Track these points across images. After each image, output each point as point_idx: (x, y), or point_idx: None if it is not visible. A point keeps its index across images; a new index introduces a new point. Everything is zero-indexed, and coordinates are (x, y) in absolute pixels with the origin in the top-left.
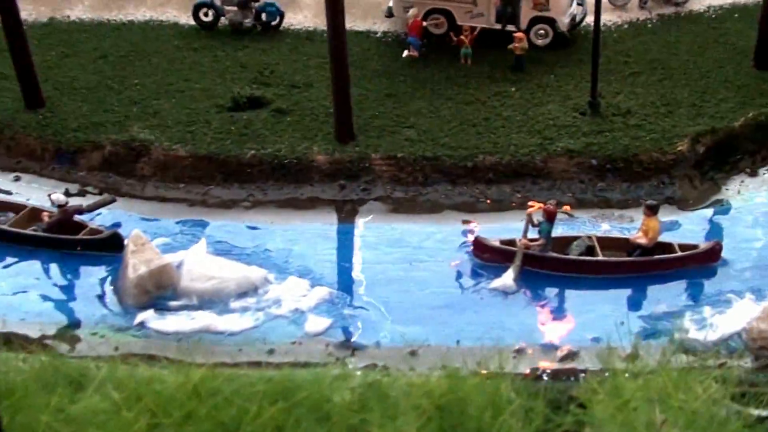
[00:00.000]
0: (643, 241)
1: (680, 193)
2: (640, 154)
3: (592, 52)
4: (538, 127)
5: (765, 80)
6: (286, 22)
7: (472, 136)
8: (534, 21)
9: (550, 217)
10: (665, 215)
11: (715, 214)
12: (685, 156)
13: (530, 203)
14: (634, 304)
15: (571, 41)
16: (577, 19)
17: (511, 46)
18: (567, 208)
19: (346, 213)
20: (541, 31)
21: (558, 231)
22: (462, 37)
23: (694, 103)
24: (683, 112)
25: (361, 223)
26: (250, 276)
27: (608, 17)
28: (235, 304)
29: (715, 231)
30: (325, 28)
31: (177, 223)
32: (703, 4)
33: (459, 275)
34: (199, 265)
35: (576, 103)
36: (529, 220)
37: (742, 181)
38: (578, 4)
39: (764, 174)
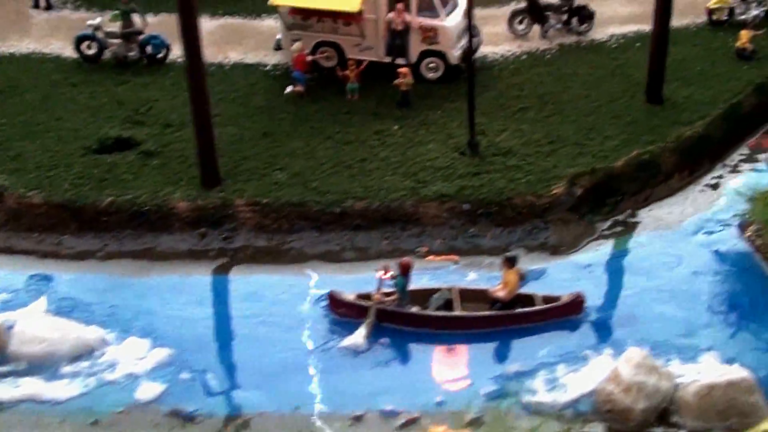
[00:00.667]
0: (501, 294)
1: (554, 238)
2: (514, 197)
3: (468, 91)
4: (414, 168)
5: (655, 115)
6: (173, 55)
7: (344, 180)
8: (424, 54)
9: (404, 270)
10: (537, 262)
11: (588, 260)
12: (561, 199)
13: (379, 270)
14: (488, 363)
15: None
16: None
17: (396, 82)
18: (452, 257)
19: (204, 264)
20: (432, 65)
21: (422, 281)
22: (347, 72)
23: (579, 141)
24: (566, 151)
25: (218, 276)
26: (86, 337)
27: (507, 47)
28: (66, 369)
29: (584, 279)
30: (213, 60)
31: (23, 277)
32: (606, 32)
33: (312, 332)
34: (32, 327)
35: (458, 142)
36: (385, 271)
37: (622, 224)
38: (472, 35)
39: (644, 216)
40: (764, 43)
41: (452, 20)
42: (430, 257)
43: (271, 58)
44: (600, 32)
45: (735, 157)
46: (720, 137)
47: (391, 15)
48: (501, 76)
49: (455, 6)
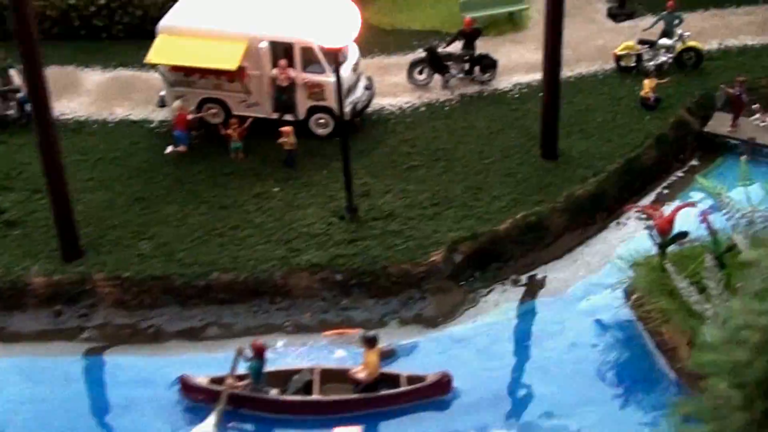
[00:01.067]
0: (361, 376)
1: (431, 308)
2: (389, 266)
3: (342, 153)
4: (289, 235)
5: (549, 172)
6: (57, 110)
7: (213, 249)
8: (312, 110)
9: (258, 352)
10: (411, 335)
11: (465, 332)
12: (439, 267)
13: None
14: None
15: (359, 128)
16: (359, 106)
17: (279, 141)
18: (352, 331)
19: (57, 345)
20: (321, 120)
21: (285, 360)
22: (229, 131)
23: (466, 202)
24: (451, 214)
25: (69, 357)
26: None
27: (407, 98)
28: None
29: (458, 353)
30: (97, 117)
31: None
32: (510, 81)
33: (162, 418)
34: None
35: (339, 205)
36: (240, 353)
37: (504, 291)
38: (366, 88)
39: (529, 282)
40: (670, 91)
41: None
42: (328, 332)
43: (158, 115)
44: (504, 81)
45: (630, 215)
46: (615, 194)
47: (275, 71)
48: (395, 131)
49: (344, 59)
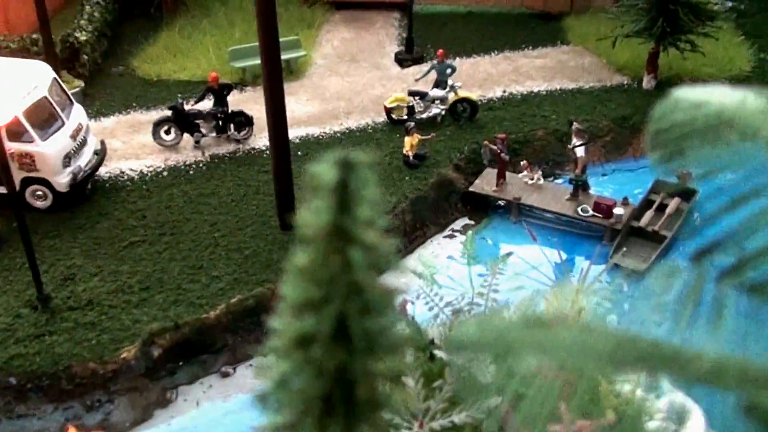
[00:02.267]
0: None
1: (119, 413)
2: (75, 365)
3: (22, 237)
4: None
5: (283, 246)
6: None
7: None
8: (26, 182)
9: None
10: None
11: None
12: (131, 364)
13: None
14: None
15: (85, 198)
16: (81, 176)
17: None
18: None
19: None
20: (39, 193)
21: None
22: None
23: (180, 285)
24: (160, 300)
25: None
26: None
27: (152, 161)
28: None
29: None
30: None
31: None
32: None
33: None
34: None
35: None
36: None
37: (209, 387)
38: (95, 153)
39: (242, 375)
40: (440, 146)
41: (53, 144)
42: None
43: None
44: (264, 139)
45: None
46: None
47: None
48: (127, 200)
49: (62, 124)
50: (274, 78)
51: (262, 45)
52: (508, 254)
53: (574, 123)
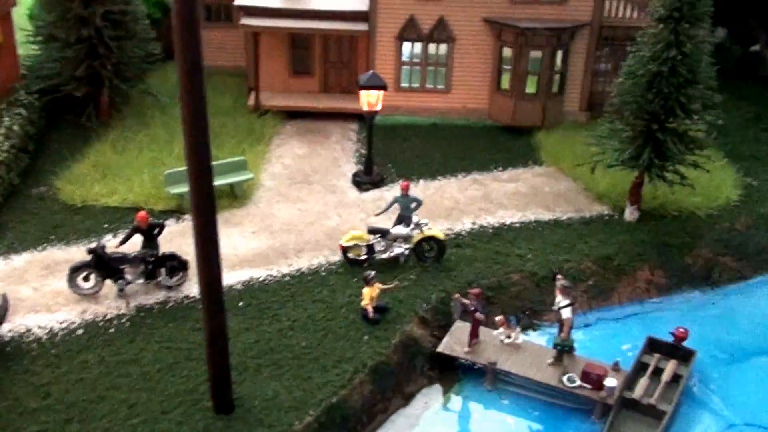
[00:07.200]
0: None
1: None
2: None
3: None
4: None
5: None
6: None
7: None
8: None
9: None
10: None
11: None
12: None
13: None
14: None
15: None
16: None
17: None
18: None
19: None
20: None
21: None
22: None
23: None
24: None
25: None
26: None
27: (67, 313)
28: None
29: None
30: None
31: None
32: None
33: None
34: None
35: None
36: None
37: None
38: None
39: None
40: (402, 296)
41: None
42: None
43: None
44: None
45: None
46: None
47: None
48: (31, 370)
49: None
50: (207, 221)
51: (191, 172)
52: None
53: (559, 278)
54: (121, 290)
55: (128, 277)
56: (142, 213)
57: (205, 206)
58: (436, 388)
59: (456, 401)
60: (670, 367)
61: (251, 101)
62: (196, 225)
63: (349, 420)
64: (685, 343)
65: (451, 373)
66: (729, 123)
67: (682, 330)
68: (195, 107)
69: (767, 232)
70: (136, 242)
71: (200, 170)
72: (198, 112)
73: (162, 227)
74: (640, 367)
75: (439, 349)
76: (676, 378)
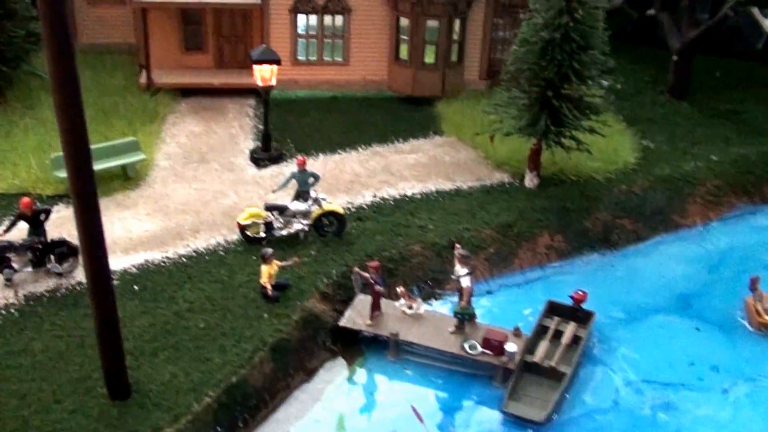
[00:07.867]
0: None
1: None
2: None
3: None
4: None
5: (110, 423)
6: None
7: None
8: None
9: None
10: None
11: None
12: None
13: None
14: None
15: None
16: None
17: None
18: None
19: None
20: None
21: None
22: None
23: None
24: None
25: None
26: None
27: None
28: None
29: None
30: None
31: None
32: None
33: None
34: None
35: None
36: None
37: None
38: None
39: None
40: (303, 271)
41: None
42: None
43: None
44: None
45: None
46: None
47: None
48: None
49: None
50: (88, 207)
51: (67, 157)
52: None
53: (457, 247)
54: (8, 279)
55: (15, 265)
56: (25, 199)
57: (85, 188)
58: (340, 362)
59: (360, 374)
60: (569, 329)
61: (143, 79)
62: (77, 211)
63: (250, 399)
64: (583, 305)
65: (355, 346)
66: (627, 87)
67: (580, 293)
68: (66, 92)
69: (663, 193)
70: (24, 229)
71: (78, 155)
72: (70, 94)
73: (48, 213)
74: (540, 331)
75: (341, 323)
76: (576, 340)
